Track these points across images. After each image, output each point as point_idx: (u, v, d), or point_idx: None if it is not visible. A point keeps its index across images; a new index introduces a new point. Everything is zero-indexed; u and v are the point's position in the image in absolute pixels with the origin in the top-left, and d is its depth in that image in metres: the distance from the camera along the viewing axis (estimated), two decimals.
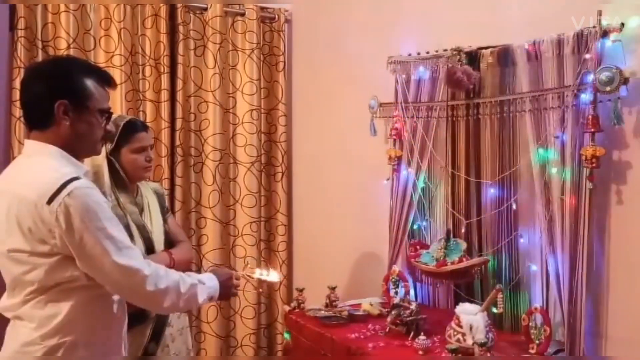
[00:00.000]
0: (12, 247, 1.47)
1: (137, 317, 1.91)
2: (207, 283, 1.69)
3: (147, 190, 2.20)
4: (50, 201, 1.41)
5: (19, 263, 1.47)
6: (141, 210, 2.11)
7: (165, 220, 2.21)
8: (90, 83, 1.53)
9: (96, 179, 1.99)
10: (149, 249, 2.06)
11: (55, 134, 1.51)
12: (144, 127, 2.15)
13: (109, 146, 2.03)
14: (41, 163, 1.49)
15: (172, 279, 1.58)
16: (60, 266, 1.46)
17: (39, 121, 1.52)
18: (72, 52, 2.93)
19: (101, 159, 2.00)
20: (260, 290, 2.00)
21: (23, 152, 1.58)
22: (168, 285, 1.55)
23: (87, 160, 2.01)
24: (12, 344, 1.52)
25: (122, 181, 2.07)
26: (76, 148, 1.55)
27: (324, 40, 3.29)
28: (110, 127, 1.63)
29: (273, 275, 2.02)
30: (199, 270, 3.28)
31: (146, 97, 3.14)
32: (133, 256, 1.51)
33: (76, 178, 1.45)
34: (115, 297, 1.61)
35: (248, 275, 1.98)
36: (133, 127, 2.09)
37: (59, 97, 1.48)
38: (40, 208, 1.42)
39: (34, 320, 1.49)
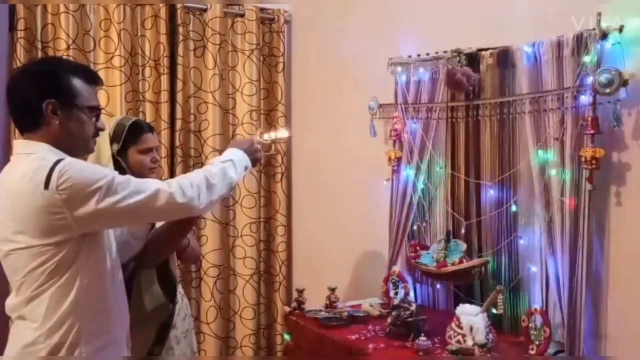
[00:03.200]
0: (19, 245, 1.47)
1: (140, 319, 1.92)
2: (234, 157, 1.75)
3: None
4: (46, 186, 1.42)
5: (27, 259, 1.47)
6: None
7: None
8: (76, 81, 1.54)
9: None
10: None
11: (46, 134, 1.51)
12: (150, 128, 2.15)
13: (115, 146, 2.03)
14: (28, 158, 1.49)
15: (197, 178, 1.62)
16: (63, 260, 1.47)
17: (29, 123, 1.53)
18: (71, 53, 2.94)
19: (107, 161, 2.00)
20: (275, 152, 2.15)
21: (13, 153, 1.58)
22: (198, 187, 1.59)
23: (92, 163, 2.01)
24: (15, 345, 1.52)
25: None
26: (68, 146, 1.54)
27: (324, 41, 3.29)
28: (100, 124, 1.63)
29: (282, 132, 2.09)
30: (198, 271, 3.29)
31: (146, 98, 3.14)
32: (149, 186, 1.53)
33: (62, 159, 1.46)
34: (117, 291, 1.62)
35: (260, 142, 1.99)
36: (139, 128, 2.09)
37: (46, 97, 1.49)
38: (40, 197, 1.42)
39: (37, 319, 1.49)
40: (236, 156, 1.77)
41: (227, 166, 1.71)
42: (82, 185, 1.44)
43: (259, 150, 1.90)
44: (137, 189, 1.51)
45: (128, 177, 1.53)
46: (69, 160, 1.47)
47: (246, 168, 1.79)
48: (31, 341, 1.49)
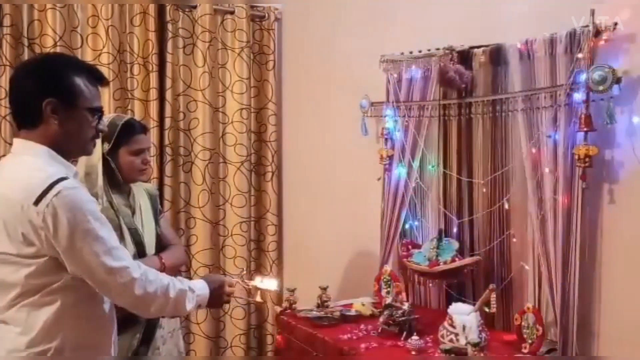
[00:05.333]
0: None
1: (127, 320, 1.88)
2: (198, 291, 1.64)
3: (140, 192, 2.16)
4: (37, 202, 1.38)
5: (5, 265, 1.44)
6: (133, 212, 2.08)
7: (157, 223, 2.18)
8: (80, 81, 1.50)
9: (88, 180, 1.95)
10: (140, 253, 2.02)
11: (43, 133, 1.48)
12: (143, 129, 2.11)
13: (106, 146, 2.00)
14: (28, 162, 1.46)
15: (161, 283, 1.54)
16: (46, 269, 1.43)
17: (27, 120, 1.49)
18: (58, 50, 2.88)
19: (96, 160, 1.96)
20: (257, 300, 1.90)
21: (11, 151, 1.55)
22: (157, 290, 1.52)
23: (81, 161, 1.97)
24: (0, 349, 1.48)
25: (117, 182, 2.03)
26: (65, 148, 1.51)
27: (315, 38, 3.27)
28: (102, 126, 1.59)
29: (270, 283, 1.91)
30: (188, 271, 3.26)
31: (134, 95, 3.10)
32: (122, 257, 1.49)
33: (64, 178, 1.42)
34: (103, 300, 1.58)
35: (245, 282, 1.87)
36: (132, 129, 2.05)
37: (47, 96, 1.45)
38: (26, 209, 1.39)
39: (19, 325, 1.46)
40: (200, 291, 1.65)
41: (188, 295, 1.60)
42: (68, 223, 1.39)
43: (226, 295, 1.74)
44: (112, 253, 1.45)
45: (109, 235, 1.47)
46: (69, 184, 1.42)
47: (199, 306, 1.66)
48: (14, 347, 1.46)
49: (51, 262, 1.43)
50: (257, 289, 1.88)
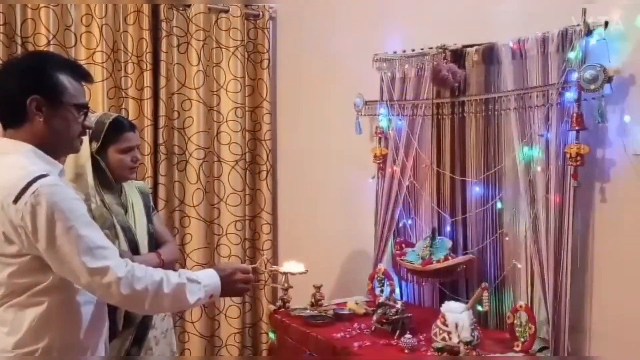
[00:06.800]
0: None
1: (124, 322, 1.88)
2: (204, 281, 1.57)
3: (132, 190, 2.16)
4: (16, 200, 1.37)
5: None
6: (125, 211, 2.08)
7: (150, 220, 2.18)
8: (64, 77, 1.49)
9: (80, 181, 1.95)
10: (134, 251, 2.02)
11: (29, 131, 1.47)
12: (131, 126, 2.11)
13: (95, 145, 1.99)
14: (11, 161, 1.45)
15: (152, 279, 1.48)
16: (30, 268, 1.42)
17: (12, 119, 1.48)
18: (52, 48, 2.88)
19: (85, 159, 1.96)
20: (285, 285, 1.95)
21: None
22: (147, 287, 1.46)
23: (70, 162, 1.96)
24: None
25: (108, 181, 2.03)
26: (52, 145, 1.50)
27: (309, 37, 3.27)
28: (89, 122, 1.59)
29: (297, 267, 2.04)
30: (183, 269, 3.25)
31: (128, 94, 3.10)
32: (106, 256, 1.43)
33: (43, 175, 1.40)
34: (92, 300, 1.56)
35: (274, 271, 1.95)
36: (120, 127, 2.05)
37: (31, 93, 1.44)
38: (6, 208, 1.38)
39: (6, 325, 1.45)
40: (208, 280, 1.58)
41: (190, 287, 1.52)
42: (47, 221, 1.37)
43: (241, 282, 1.66)
44: (93, 252, 1.40)
45: (91, 233, 1.43)
46: (49, 181, 1.40)
47: (211, 296, 1.59)
48: (1, 347, 1.45)
49: (36, 262, 1.42)
50: (284, 274, 2.05)
